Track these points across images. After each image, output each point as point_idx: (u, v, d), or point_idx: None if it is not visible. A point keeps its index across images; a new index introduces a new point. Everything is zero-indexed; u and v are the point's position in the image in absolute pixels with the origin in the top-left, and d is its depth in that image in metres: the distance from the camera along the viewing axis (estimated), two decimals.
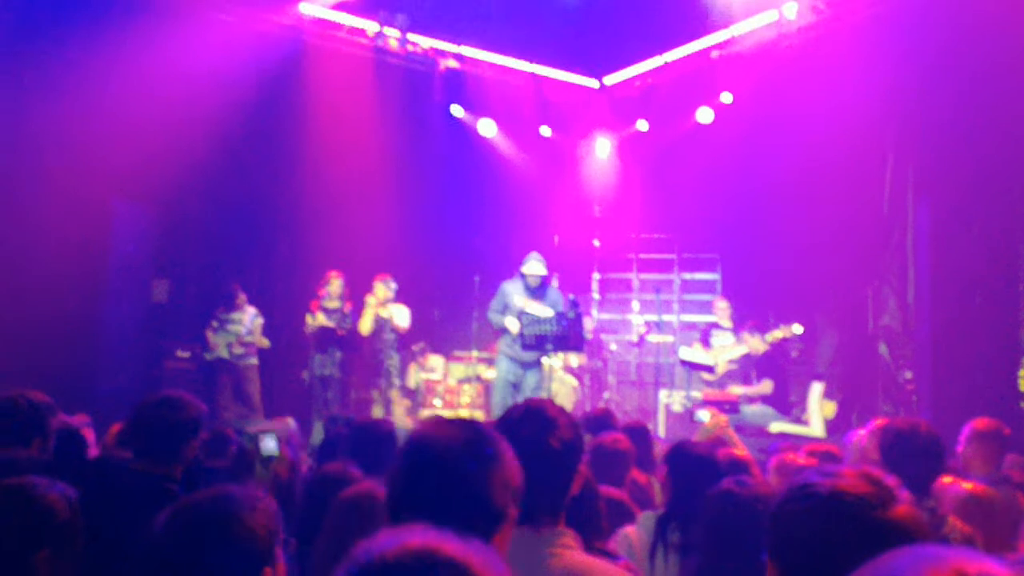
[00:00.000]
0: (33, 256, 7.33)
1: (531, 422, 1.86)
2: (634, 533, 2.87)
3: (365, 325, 8.50)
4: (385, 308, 8.52)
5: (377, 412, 8.52)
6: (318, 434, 7.08)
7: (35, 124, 7.49)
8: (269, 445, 2.63)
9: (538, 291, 7.79)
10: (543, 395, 7.66)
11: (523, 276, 7.80)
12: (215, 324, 8.63)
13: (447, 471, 1.43)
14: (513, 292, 7.82)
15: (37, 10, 7.69)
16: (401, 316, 8.57)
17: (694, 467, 2.92)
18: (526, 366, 7.73)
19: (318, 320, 8.48)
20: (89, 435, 4.22)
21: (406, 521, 1.47)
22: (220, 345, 8.57)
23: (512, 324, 7.59)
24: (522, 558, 1.70)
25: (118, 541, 2.34)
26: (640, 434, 4.45)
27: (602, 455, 3.65)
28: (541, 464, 1.79)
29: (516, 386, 7.75)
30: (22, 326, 7.06)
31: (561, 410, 1.93)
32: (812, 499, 1.20)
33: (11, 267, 7.25)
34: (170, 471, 2.71)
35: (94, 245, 8.18)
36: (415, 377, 9.64)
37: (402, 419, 8.61)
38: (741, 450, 4.08)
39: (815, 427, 7.65)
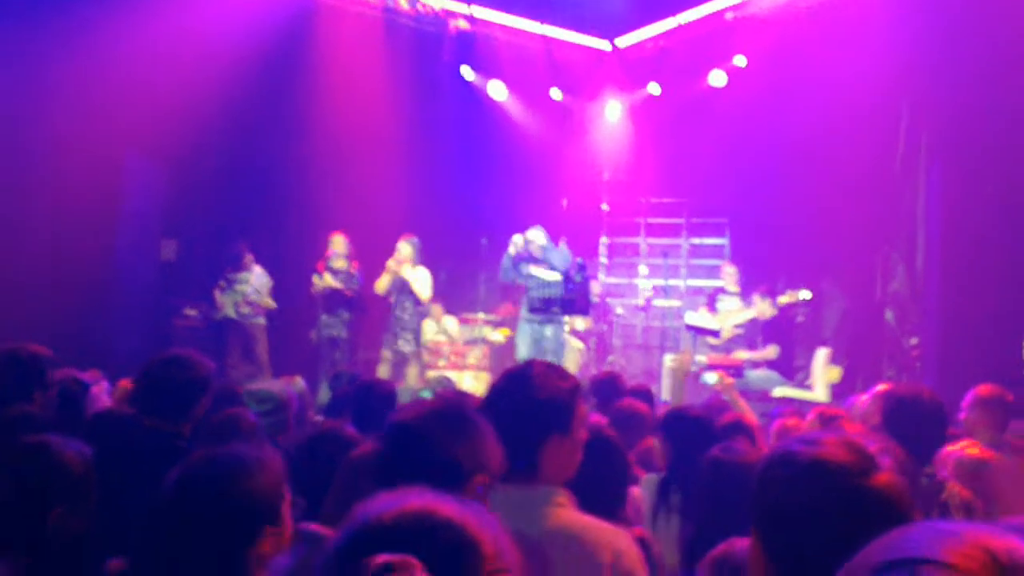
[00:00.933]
0: (45, 213, 7.36)
1: (521, 378, 1.91)
2: (638, 495, 2.91)
3: (381, 284, 8.51)
4: (410, 268, 8.51)
5: (383, 371, 8.56)
6: (325, 393, 7.14)
7: (50, 79, 7.46)
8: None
9: (542, 259, 7.95)
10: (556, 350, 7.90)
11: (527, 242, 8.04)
12: (223, 284, 8.67)
13: (420, 437, 1.63)
14: (523, 262, 8.02)
15: None
16: (423, 283, 8.55)
17: (691, 431, 2.94)
18: (543, 322, 7.93)
19: (325, 281, 8.51)
20: (101, 390, 4.28)
21: (389, 479, 1.57)
22: (227, 304, 8.62)
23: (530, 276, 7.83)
24: (516, 516, 1.72)
25: (125, 496, 2.38)
26: (645, 397, 4.48)
27: (620, 419, 3.68)
28: (528, 417, 1.85)
29: (539, 344, 7.99)
30: (32, 281, 7.13)
31: (556, 368, 1.96)
32: (793, 467, 1.20)
33: (22, 219, 7.29)
34: (179, 428, 2.75)
35: (106, 203, 8.19)
36: (428, 334, 9.65)
37: (413, 379, 8.66)
38: (748, 414, 4.10)
39: (819, 392, 7.68)
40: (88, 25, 7.49)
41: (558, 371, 1.96)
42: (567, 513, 1.81)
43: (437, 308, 9.76)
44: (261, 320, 8.74)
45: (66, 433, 2.93)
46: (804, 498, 1.18)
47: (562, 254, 8.05)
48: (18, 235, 7.23)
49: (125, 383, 3.87)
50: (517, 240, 7.97)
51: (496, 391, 1.95)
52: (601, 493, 2.05)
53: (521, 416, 1.84)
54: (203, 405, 2.88)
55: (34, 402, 3.16)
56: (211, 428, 2.95)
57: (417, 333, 8.74)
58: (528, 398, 1.86)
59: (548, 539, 1.75)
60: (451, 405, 1.72)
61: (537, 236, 8.00)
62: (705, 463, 2.39)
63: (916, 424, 3.09)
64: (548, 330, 7.96)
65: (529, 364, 1.98)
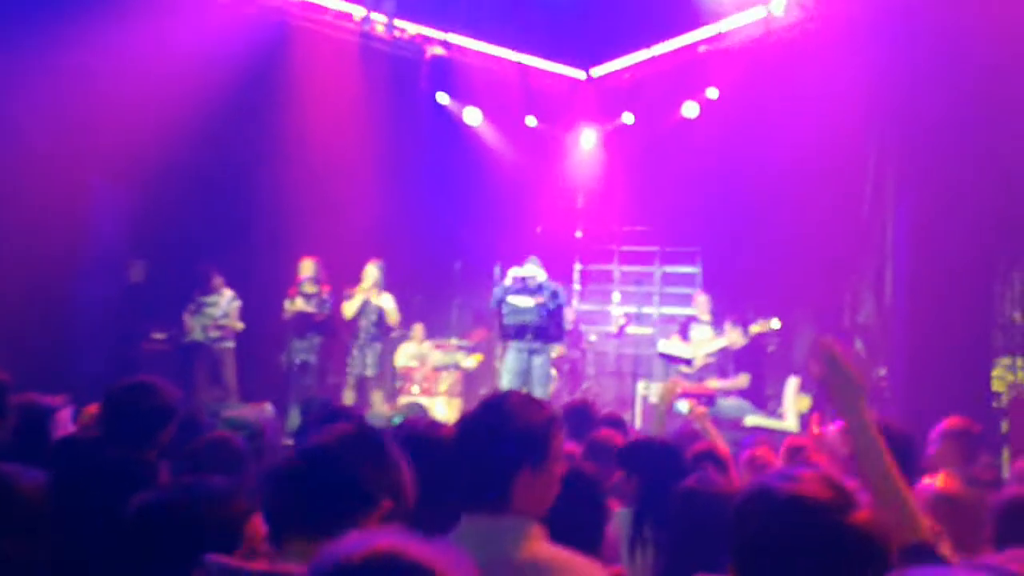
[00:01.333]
0: (9, 234, 7.23)
1: (496, 408, 1.89)
2: (611, 531, 2.86)
3: (350, 309, 8.45)
4: (376, 293, 8.46)
5: (348, 396, 8.48)
6: (295, 419, 7.05)
7: (13, 102, 7.36)
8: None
9: (533, 290, 7.97)
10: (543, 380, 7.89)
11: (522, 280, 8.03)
12: (192, 307, 8.57)
13: (325, 459, 1.66)
14: (509, 292, 8.02)
15: None
16: (394, 309, 8.50)
17: (659, 461, 2.90)
18: (532, 353, 7.91)
19: (296, 305, 8.43)
20: (66, 416, 4.17)
21: (294, 500, 1.63)
22: (196, 328, 8.52)
23: (513, 317, 7.86)
24: (485, 547, 1.70)
25: (87, 523, 2.33)
26: (618, 426, 4.46)
27: (594, 450, 3.64)
28: (499, 447, 1.82)
29: (527, 373, 7.96)
30: None
31: (528, 398, 1.95)
32: (771, 503, 1.20)
33: None
34: (143, 455, 2.69)
35: (71, 224, 8.07)
36: (402, 359, 9.57)
37: (379, 404, 8.59)
38: (720, 444, 4.09)
39: (790, 421, 7.72)
40: (55, 46, 7.40)
41: (536, 402, 1.95)
42: (539, 545, 1.78)
43: (419, 329, 9.71)
44: (230, 344, 8.64)
45: (26, 460, 2.87)
46: (782, 535, 1.18)
47: (554, 287, 8.12)
48: None
49: (91, 409, 3.78)
50: (515, 272, 7.97)
51: (470, 419, 1.93)
52: (578, 528, 2.02)
53: (494, 446, 1.82)
54: (169, 432, 2.82)
55: None
56: (197, 453, 2.89)
57: (381, 357, 8.66)
58: (502, 428, 1.84)
59: (519, 572, 1.72)
60: (363, 430, 1.76)
61: (536, 271, 8.03)
62: (678, 494, 2.37)
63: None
64: (537, 360, 7.94)
65: (506, 394, 1.97)
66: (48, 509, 1.99)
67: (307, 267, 8.48)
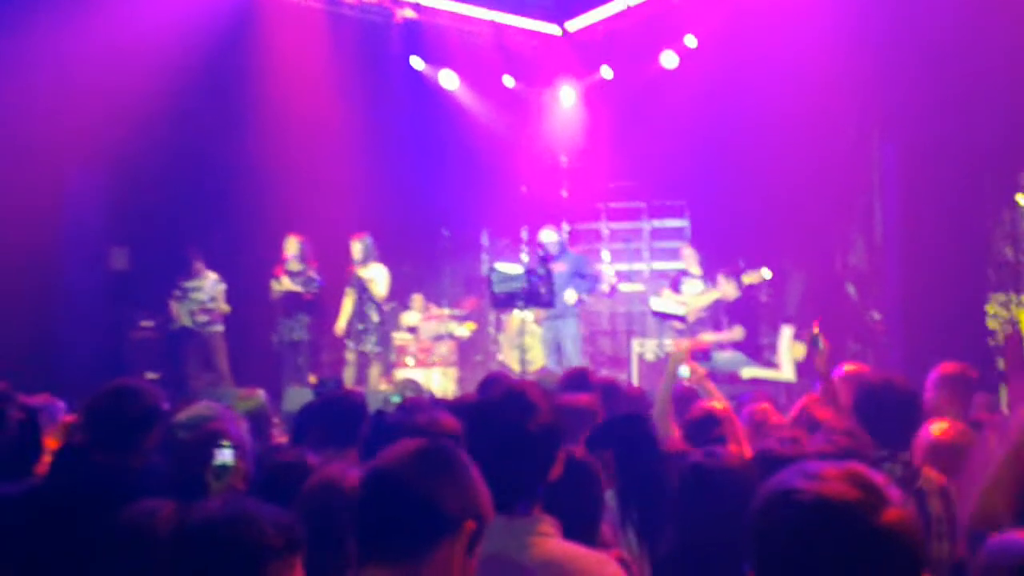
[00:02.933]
0: None
1: (508, 407, 1.83)
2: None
3: (341, 323, 8.44)
4: (365, 268, 8.37)
5: (348, 373, 8.44)
6: (289, 400, 7.00)
7: None
8: (224, 456, 2.48)
9: (557, 256, 8.21)
10: (516, 347, 7.88)
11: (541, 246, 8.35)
12: (177, 293, 8.48)
13: (401, 483, 1.51)
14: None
15: None
16: (379, 282, 8.41)
17: (630, 436, 2.78)
18: (558, 317, 8.11)
19: (283, 285, 8.34)
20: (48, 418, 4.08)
21: (369, 530, 1.48)
22: (183, 314, 8.44)
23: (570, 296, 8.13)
24: (499, 548, 1.68)
25: (77, 532, 2.28)
26: (611, 392, 4.40)
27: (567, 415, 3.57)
28: (516, 450, 1.79)
29: (559, 346, 8.23)
30: None
31: (542, 393, 1.90)
32: (795, 507, 1.12)
33: None
34: (127, 462, 2.62)
35: (49, 214, 7.96)
36: (406, 323, 9.53)
37: (375, 380, 8.55)
38: (720, 402, 4.04)
39: (786, 371, 7.71)
40: (20, 29, 7.21)
41: (547, 395, 1.90)
42: (553, 543, 1.76)
43: (418, 299, 9.65)
44: (219, 327, 8.56)
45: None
46: (809, 541, 1.10)
47: (572, 258, 8.44)
48: None
49: (68, 418, 3.68)
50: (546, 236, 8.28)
51: (481, 420, 1.87)
52: (578, 519, 1.97)
53: (510, 458, 1.79)
54: (154, 437, 2.74)
55: None
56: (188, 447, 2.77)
57: (381, 332, 8.61)
58: (520, 433, 1.80)
59: (535, 570, 1.70)
60: (434, 445, 1.62)
61: (550, 236, 8.35)
62: (686, 471, 2.29)
63: (888, 413, 3.06)
64: (567, 329, 8.16)
65: (523, 388, 1.90)
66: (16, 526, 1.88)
67: (292, 245, 8.37)
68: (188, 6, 8.36)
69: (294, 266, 8.37)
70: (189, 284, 8.51)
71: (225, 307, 8.58)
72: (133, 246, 8.96)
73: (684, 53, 9.99)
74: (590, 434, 2.78)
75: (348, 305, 8.46)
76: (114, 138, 7.81)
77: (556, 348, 8.25)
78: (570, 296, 8.13)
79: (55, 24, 7.36)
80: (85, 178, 8.46)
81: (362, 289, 8.39)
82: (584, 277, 8.30)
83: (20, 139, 7.26)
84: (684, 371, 4.06)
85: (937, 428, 3.53)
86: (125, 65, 7.67)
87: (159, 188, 8.76)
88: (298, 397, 6.45)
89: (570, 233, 11.53)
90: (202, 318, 8.45)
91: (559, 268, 8.14)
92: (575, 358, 8.01)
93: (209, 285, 8.52)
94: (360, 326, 8.41)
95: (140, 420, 2.65)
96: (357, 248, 8.37)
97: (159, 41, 7.93)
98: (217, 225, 9.14)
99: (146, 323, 8.57)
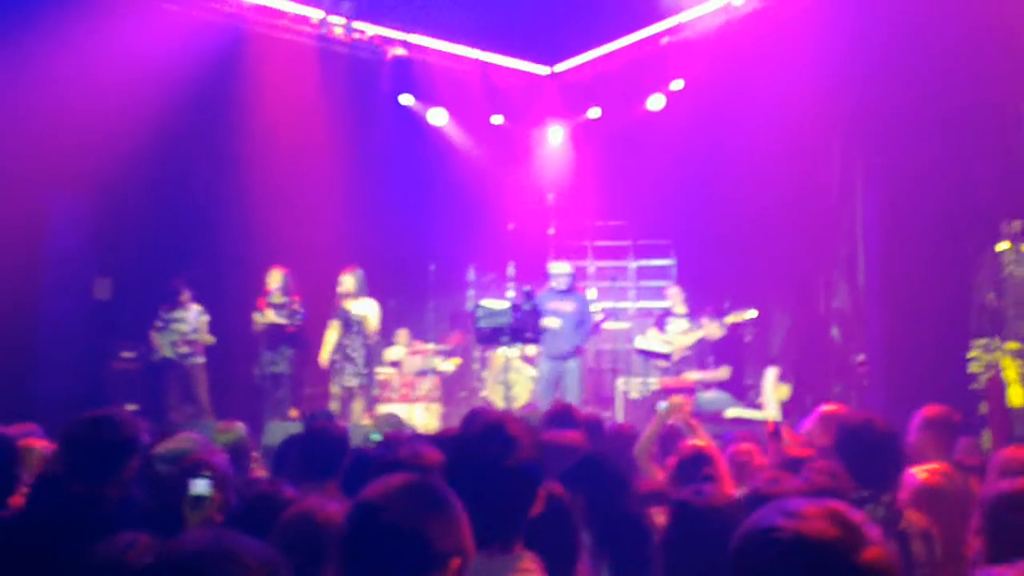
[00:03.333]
0: None
1: (489, 441, 1.80)
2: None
3: (324, 352, 8.35)
4: (356, 302, 8.31)
5: (333, 407, 8.35)
6: (271, 435, 6.91)
7: None
8: (199, 486, 2.44)
9: (564, 294, 8.30)
10: (500, 383, 7.83)
11: (550, 277, 8.44)
12: (159, 324, 8.41)
13: (387, 517, 1.47)
14: (546, 299, 8.26)
15: None
16: (372, 317, 8.34)
17: (602, 479, 2.74)
18: (563, 358, 8.09)
19: (266, 317, 8.28)
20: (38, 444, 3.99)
21: (354, 564, 1.46)
22: (164, 345, 8.36)
23: (551, 322, 8.08)
24: None
25: (53, 563, 2.26)
26: (594, 428, 4.39)
27: (553, 452, 3.55)
28: (497, 485, 1.76)
29: (558, 383, 8.14)
30: None
31: (524, 427, 1.87)
32: (775, 545, 1.11)
33: None
34: (104, 492, 2.57)
35: (29, 240, 7.90)
36: (390, 357, 9.48)
37: (358, 415, 8.46)
38: (702, 439, 4.02)
39: (770, 411, 7.71)
40: (7, 55, 7.23)
41: (528, 429, 1.88)
42: None
43: (403, 334, 9.61)
44: (200, 359, 8.49)
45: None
46: None
47: (578, 298, 8.46)
48: None
49: (41, 446, 3.60)
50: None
51: (462, 454, 1.85)
52: (558, 557, 1.94)
53: (503, 481, 1.77)
54: (131, 467, 2.70)
55: None
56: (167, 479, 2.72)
57: (366, 366, 8.53)
58: (500, 467, 1.78)
59: None
60: (421, 480, 1.59)
61: (560, 267, 8.47)
62: (674, 509, 2.27)
63: (869, 453, 3.06)
64: (570, 370, 8.11)
65: (502, 421, 1.88)
66: None
67: (275, 278, 8.33)
68: (179, 37, 8.42)
69: (277, 298, 8.31)
70: (171, 315, 8.45)
71: (209, 338, 8.52)
72: (116, 276, 8.90)
73: (670, 96, 10.13)
74: (563, 473, 2.75)
75: (332, 338, 8.38)
76: (99, 167, 7.80)
77: (555, 386, 8.14)
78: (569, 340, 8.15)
79: (42, 52, 7.37)
80: (70, 206, 8.43)
81: (348, 323, 8.32)
82: (584, 323, 8.27)
83: (4, 165, 7.23)
84: (662, 406, 4.04)
85: (923, 471, 3.54)
86: (112, 93, 7.70)
87: (142, 218, 8.74)
88: (279, 431, 6.37)
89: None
90: (184, 349, 8.38)
91: (566, 307, 8.20)
92: (576, 400, 7.84)
93: (192, 316, 8.47)
94: (344, 360, 8.33)
95: (117, 450, 2.61)
96: (349, 281, 8.30)
97: (147, 71, 7.96)
98: (201, 256, 9.10)
99: (127, 354, 8.48)
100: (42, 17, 7.43)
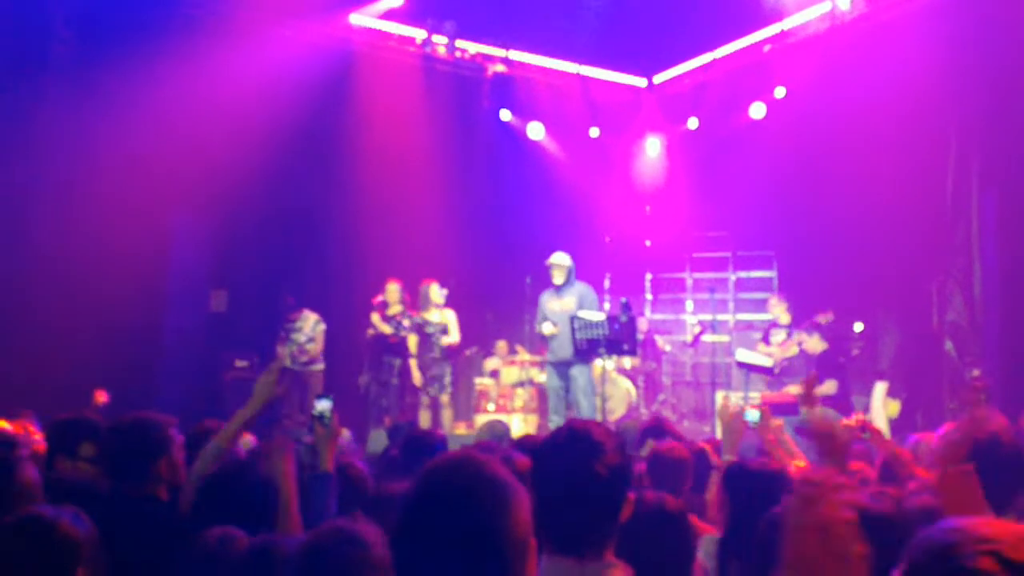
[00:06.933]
0: (94, 269, 7.52)
1: (576, 447, 1.78)
2: (697, 561, 2.73)
3: (415, 369, 8.50)
4: (441, 312, 8.50)
5: (423, 417, 8.51)
6: (374, 442, 7.11)
7: (95, 138, 7.70)
8: (322, 404, 2.91)
9: (562, 288, 7.77)
10: (596, 395, 7.68)
11: (549, 268, 7.83)
12: (282, 334, 8.72)
13: (460, 511, 1.38)
14: (546, 299, 7.93)
15: (97, 25, 7.91)
16: (455, 327, 8.50)
17: (752, 486, 2.74)
18: (568, 364, 7.67)
19: (380, 326, 8.52)
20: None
21: (413, 548, 1.39)
22: (285, 355, 8.65)
23: (546, 328, 7.69)
24: None
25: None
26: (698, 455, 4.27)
27: (659, 463, 3.54)
28: (586, 491, 1.73)
29: (567, 389, 7.75)
30: (84, 338, 7.27)
31: (608, 433, 1.84)
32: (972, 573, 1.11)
33: (73, 279, 7.46)
34: (142, 490, 2.69)
35: (155, 257, 8.39)
36: (488, 368, 9.62)
37: (449, 425, 8.60)
38: (799, 460, 3.89)
39: (879, 428, 7.42)
40: (134, 82, 7.69)
41: (612, 434, 1.85)
42: None
43: (502, 346, 9.75)
44: (319, 366, 8.74)
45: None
46: None
47: (579, 288, 7.81)
48: (70, 291, 7.40)
49: (38, 445, 3.67)
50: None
51: (546, 460, 1.83)
52: (660, 572, 1.92)
53: (592, 487, 1.74)
54: (168, 465, 2.77)
55: None
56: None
57: (450, 377, 8.65)
58: (585, 473, 1.75)
59: None
60: (486, 464, 1.48)
61: (559, 258, 7.83)
62: (764, 524, 2.23)
63: (994, 469, 2.92)
64: (579, 375, 7.68)
65: (587, 427, 1.84)
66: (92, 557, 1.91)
67: (392, 291, 8.56)
68: (292, 60, 8.82)
69: (393, 310, 8.55)
70: (292, 325, 8.75)
71: (319, 348, 8.78)
72: (231, 289, 9.35)
73: (772, 103, 9.94)
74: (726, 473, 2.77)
75: (413, 349, 8.55)
76: (217, 185, 8.21)
77: (564, 398, 7.77)
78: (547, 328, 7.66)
79: (166, 74, 7.82)
80: (189, 226, 8.90)
81: (426, 334, 8.48)
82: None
83: (132, 188, 7.70)
84: (752, 415, 3.88)
85: None
86: (229, 115, 8.10)
87: (257, 234, 9.15)
88: (381, 439, 6.55)
89: (653, 282, 11.47)
90: (303, 358, 8.67)
91: (566, 305, 7.64)
92: (587, 410, 7.52)
93: (310, 326, 8.77)
94: (429, 372, 8.49)
95: (148, 449, 2.72)
96: (436, 292, 8.48)
97: (262, 92, 8.36)
98: (310, 271, 9.48)
99: (241, 363, 8.85)
100: (164, 43, 7.90)
